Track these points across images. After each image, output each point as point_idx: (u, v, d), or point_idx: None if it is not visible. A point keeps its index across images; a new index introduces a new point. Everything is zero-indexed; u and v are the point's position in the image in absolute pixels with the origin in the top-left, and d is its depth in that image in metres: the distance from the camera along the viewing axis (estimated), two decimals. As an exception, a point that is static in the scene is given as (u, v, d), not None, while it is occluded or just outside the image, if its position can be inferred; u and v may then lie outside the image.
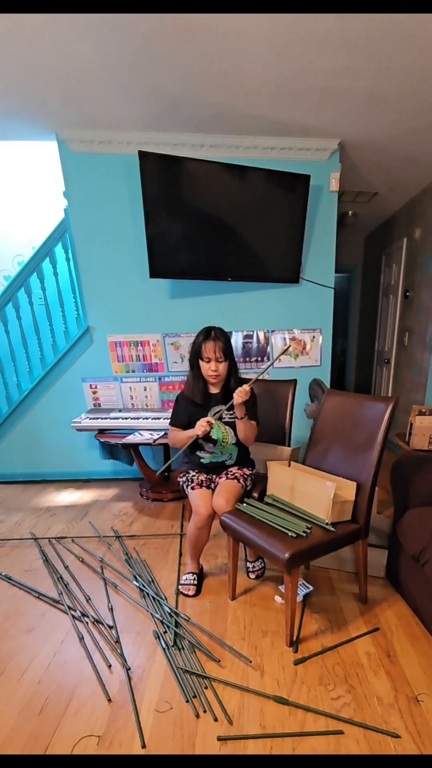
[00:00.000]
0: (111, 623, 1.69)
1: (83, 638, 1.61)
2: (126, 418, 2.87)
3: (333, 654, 1.55)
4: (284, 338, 3.18)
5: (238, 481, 1.88)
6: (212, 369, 1.84)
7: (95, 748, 1.19)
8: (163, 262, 2.75)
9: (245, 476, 1.92)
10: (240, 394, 1.73)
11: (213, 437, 1.92)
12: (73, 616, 1.74)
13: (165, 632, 1.64)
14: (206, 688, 1.39)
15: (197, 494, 1.82)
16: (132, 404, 3.21)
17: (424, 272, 3.59)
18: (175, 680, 1.42)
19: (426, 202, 3.54)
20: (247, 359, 3.20)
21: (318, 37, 1.78)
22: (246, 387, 1.74)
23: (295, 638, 1.60)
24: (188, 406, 1.94)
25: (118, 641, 1.60)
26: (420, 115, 2.38)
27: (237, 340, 3.15)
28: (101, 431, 2.85)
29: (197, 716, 1.28)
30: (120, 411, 3.05)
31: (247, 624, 1.71)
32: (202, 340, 1.83)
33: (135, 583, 1.95)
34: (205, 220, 2.70)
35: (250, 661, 1.50)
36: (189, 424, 1.96)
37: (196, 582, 1.91)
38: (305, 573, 2.06)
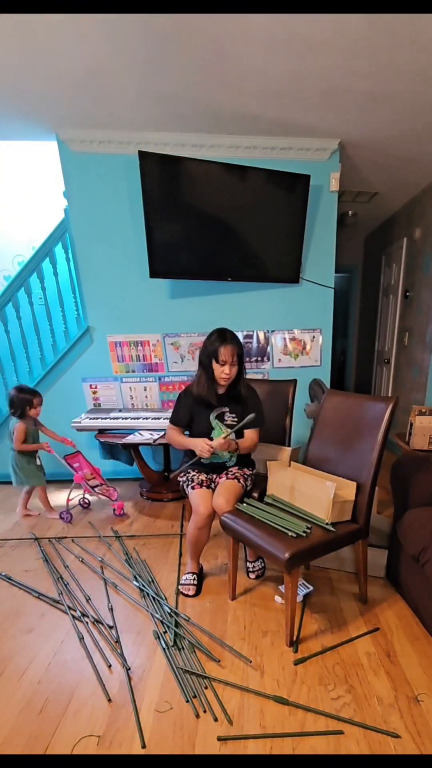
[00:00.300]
0: (111, 623, 1.69)
1: (83, 638, 1.61)
2: (126, 418, 2.87)
3: (333, 654, 1.55)
4: (284, 338, 3.18)
5: (239, 481, 1.88)
6: (225, 372, 1.84)
7: (95, 748, 1.19)
8: (163, 262, 2.75)
9: (245, 476, 1.93)
10: (223, 446, 1.82)
11: (214, 438, 1.92)
12: (73, 616, 1.74)
13: (165, 632, 1.64)
14: (206, 688, 1.39)
15: (197, 494, 1.82)
16: (132, 404, 3.21)
17: (424, 272, 3.59)
18: (175, 680, 1.42)
19: (426, 202, 3.54)
20: (247, 359, 3.19)
21: (318, 37, 1.78)
22: (228, 445, 1.83)
23: (295, 638, 1.60)
24: (190, 405, 1.94)
25: (118, 641, 1.60)
26: (420, 115, 2.38)
27: (237, 340, 3.15)
28: (101, 431, 2.85)
29: (197, 716, 1.28)
30: (120, 411, 3.05)
31: (247, 624, 1.71)
32: (219, 344, 1.82)
33: (135, 583, 1.95)
34: (205, 220, 2.70)
35: (250, 661, 1.50)
36: (189, 423, 1.96)
37: (196, 582, 1.91)
38: (305, 573, 2.06)
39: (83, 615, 1.74)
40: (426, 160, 2.99)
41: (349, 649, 1.57)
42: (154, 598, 1.83)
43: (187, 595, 1.88)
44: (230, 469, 1.95)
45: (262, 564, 2.05)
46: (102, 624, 1.69)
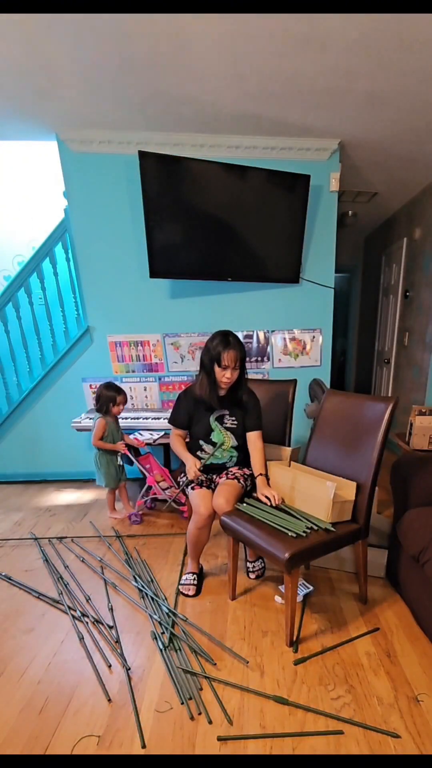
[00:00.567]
0: (111, 623, 1.69)
1: (83, 638, 1.61)
2: (126, 418, 2.87)
3: (333, 654, 1.55)
4: (284, 338, 3.18)
5: (239, 481, 1.88)
6: (227, 376, 1.83)
7: (95, 748, 1.19)
8: (163, 262, 2.75)
9: (245, 476, 1.93)
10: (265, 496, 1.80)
11: (213, 440, 1.93)
12: (73, 616, 1.74)
13: (163, 633, 1.64)
14: (201, 689, 1.39)
15: (197, 494, 1.82)
16: (132, 404, 3.21)
17: (424, 272, 3.59)
18: (172, 682, 1.42)
19: (426, 202, 3.54)
20: (247, 359, 3.18)
21: (318, 37, 1.78)
22: (274, 498, 1.77)
23: (295, 638, 1.60)
24: (190, 406, 1.94)
25: (118, 641, 1.60)
26: (420, 114, 2.38)
27: (237, 340, 3.14)
28: (101, 431, 2.85)
29: (192, 718, 1.27)
30: (120, 411, 3.05)
31: (247, 624, 1.71)
32: (222, 348, 1.79)
33: (134, 583, 1.95)
34: (205, 220, 2.70)
35: (247, 662, 1.50)
36: (189, 424, 1.96)
37: (196, 582, 1.91)
38: (305, 573, 2.06)
39: (83, 615, 1.74)
40: (426, 160, 2.99)
41: (349, 649, 1.57)
42: (152, 598, 1.83)
43: (187, 595, 1.88)
44: (230, 469, 1.95)
45: (262, 564, 2.05)
46: (102, 624, 1.69)
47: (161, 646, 1.56)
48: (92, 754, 1.18)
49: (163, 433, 2.72)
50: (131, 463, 3.00)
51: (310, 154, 2.81)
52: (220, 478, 1.93)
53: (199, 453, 1.97)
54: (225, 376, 1.84)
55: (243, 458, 2.01)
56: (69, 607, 1.79)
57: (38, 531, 2.52)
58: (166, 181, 2.56)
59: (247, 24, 1.70)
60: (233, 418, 1.93)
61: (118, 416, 2.69)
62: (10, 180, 3.36)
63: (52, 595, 1.88)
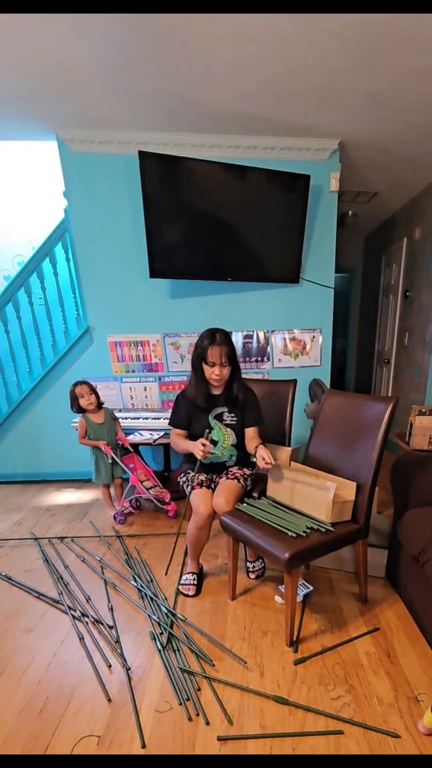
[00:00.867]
0: (111, 623, 1.69)
1: (83, 638, 1.61)
2: (126, 418, 2.87)
3: (333, 654, 1.55)
4: (284, 338, 3.18)
5: (239, 481, 1.88)
6: (216, 373, 1.83)
7: (95, 748, 1.19)
8: (163, 262, 2.75)
9: (245, 476, 1.93)
10: (262, 461, 1.71)
11: (213, 438, 1.92)
12: (73, 616, 1.74)
13: (161, 633, 1.64)
14: (199, 690, 1.39)
15: (197, 494, 1.82)
16: (132, 404, 3.21)
17: (424, 272, 3.59)
18: (170, 682, 1.41)
19: (426, 202, 3.54)
20: (247, 359, 3.20)
21: (318, 37, 1.78)
22: (268, 460, 1.70)
23: (295, 638, 1.60)
24: (188, 407, 1.94)
25: (118, 641, 1.60)
26: (420, 114, 2.38)
27: (237, 340, 3.15)
28: (101, 431, 2.85)
29: (189, 719, 1.27)
30: (120, 411, 3.05)
31: (247, 624, 1.71)
32: (207, 344, 1.80)
33: (134, 583, 1.95)
34: (205, 220, 2.70)
35: (245, 663, 1.50)
36: (189, 425, 1.96)
37: (196, 582, 1.91)
38: (305, 573, 2.06)
39: (83, 615, 1.74)
40: (426, 160, 2.99)
41: (349, 649, 1.57)
42: (152, 598, 1.83)
43: (187, 595, 1.88)
44: (230, 469, 1.95)
45: (262, 564, 2.05)
46: (102, 624, 1.69)
47: (159, 647, 1.56)
48: (92, 754, 1.18)
49: (163, 433, 2.72)
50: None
51: (310, 154, 2.81)
52: (220, 477, 1.93)
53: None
54: (214, 374, 1.83)
55: (243, 457, 2.01)
56: (69, 607, 1.79)
57: (38, 531, 2.52)
58: (166, 181, 2.56)
59: (247, 24, 1.70)
60: (232, 415, 1.93)
61: (115, 414, 2.68)
62: (10, 180, 3.36)
63: (52, 595, 1.88)
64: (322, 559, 2.00)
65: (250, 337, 3.17)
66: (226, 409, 1.93)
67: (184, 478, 1.96)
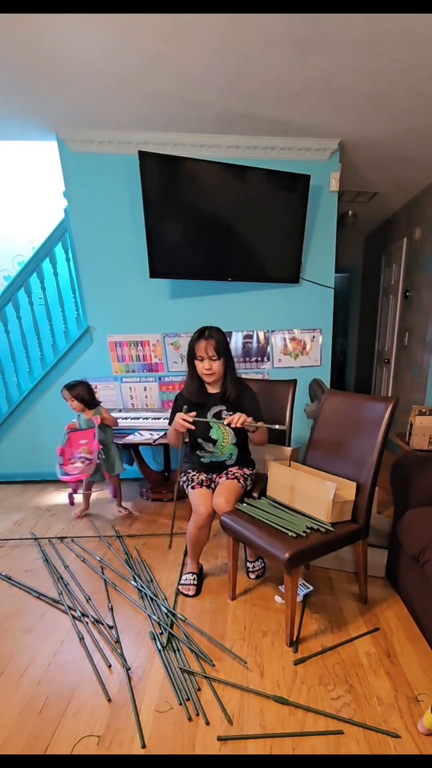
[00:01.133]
0: (111, 623, 1.69)
1: (83, 638, 1.61)
2: (126, 418, 2.87)
3: (333, 654, 1.55)
4: (284, 338, 3.18)
5: (239, 481, 1.88)
6: (206, 368, 1.83)
7: (95, 748, 1.19)
8: (163, 262, 2.75)
9: (245, 476, 1.93)
10: (234, 420, 1.71)
11: (212, 437, 1.92)
12: (73, 616, 1.74)
13: (161, 633, 1.64)
14: (199, 690, 1.39)
15: (197, 494, 1.82)
16: (132, 404, 3.21)
17: (424, 272, 3.59)
18: (170, 682, 1.41)
19: (426, 202, 3.54)
20: (247, 359, 3.20)
21: (318, 37, 1.78)
22: (243, 418, 1.71)
23: (295, 638, 1.60)
24: (187, 406, 1.93)
25: (118, 641, 1.60)
26: (420, 115, 2.38)
27: (237, 340, 3.15)
28: (101, 431, 2.85)
29: (189, 719, 1.27)
30: (120, 411, 3.05)
31: (247, 624, 1.71)
32: (195, 338, 1.83)
33: (134, 583, 1.95)
34: (205, 220, 2.70)
35: (245, 663, 1.50)
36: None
37: (195, 582, 1.91)
38: (305, 573, 2.06)
39: (83, 615, 1.74)
40: (426, 160, 2.99)
41: (349, 649, 1.57)
42: (152, 598, 1.83)
43: (187, 595, 1.88)
44: (230, 469, 1.95)
45: (262, 564, 2.05)
46: (102, 624, 1.69)
47: (159, 647, 1.56)
48: (92, 754, 1.18)
49: (163, 433, 2.72)
50: (131, 462, 3.01)
51: (310, 154, 2.81)
52: (219, 477, 1.93)
53: (199, 452, 1.97)
54: (205, 368, 1.83)
55: (242, 456, 2.01)
56: (69, 607, 1.79)
57: (38, 531, 2.52)
58: (166, 181, 2.56)
59: (247, 24, 1.70)
60: (230, 413, 1.92)
61: (80, 412, 2.57)
62: (10, 180, 3.36)
63: (52, 595, 1.88)
64: (322, 559, 2.00)
65: (250, 337, 3.17)
66: (224, 408, 1.93)
67: (184, 478, 1.96)
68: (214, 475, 1.97)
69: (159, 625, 1.67)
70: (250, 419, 1.74)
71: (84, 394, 2.55)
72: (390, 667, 1.48)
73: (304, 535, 1.56)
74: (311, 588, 1.89)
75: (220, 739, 1.21)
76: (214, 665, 1.49)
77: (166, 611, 1.75)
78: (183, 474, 2.00)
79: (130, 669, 1.47)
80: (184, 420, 1.77)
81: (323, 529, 1.60)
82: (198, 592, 1.90)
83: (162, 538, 2.41)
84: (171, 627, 1.66)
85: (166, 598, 1.86)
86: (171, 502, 2.94)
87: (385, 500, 2.65)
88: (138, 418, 2.88)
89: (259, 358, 3.21)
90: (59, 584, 1.95)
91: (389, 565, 1.97)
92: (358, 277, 5.57)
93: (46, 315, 3.09)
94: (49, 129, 2.60)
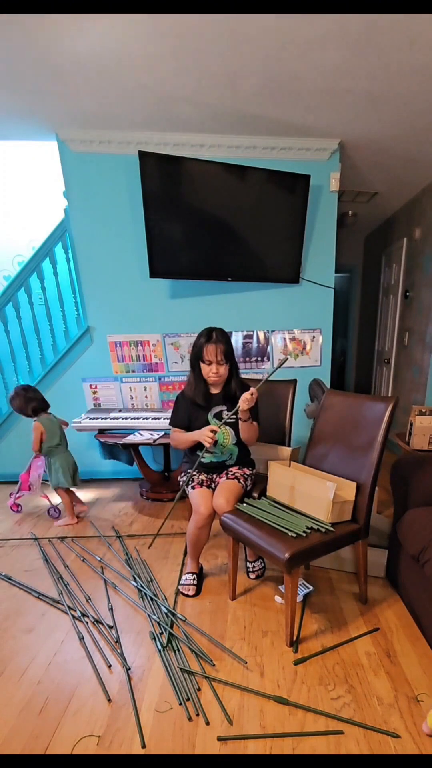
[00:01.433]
0: (111, 623, 1.69)
1: (83, 638, 1.61)
2: (126, 418, 2.87)
3: (333, 654, 1.55)
4: (284, 338, 3.18)
5: (239, 481, 1.88)
6: (213, 372, 1.84)
7: (95, 748, 1.19)
8: (163, 262, 2.75)
9: (245, 476, 1.93)
10: (246, 401, 1.72)
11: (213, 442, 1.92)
12: (73, 616, 1.74)
13: (161, 633, 1.64)
14: (199, 689, 1.39)
15: (197, 493, 1.82)
16: (132, 404, 3.21)
17: (424, 272, 3.59)
18: (170, 682, 1.41)
19: (426, 202, 3.54)
20: (247, 359, 3.20)
21: (318, 37, 1.78)
22: (251, 393, 1.73)
23: (295, 638, 1.60)
24: (188, 407, 1.94)
25: (118, 641, 1.60)
26: (420, 115, 2.38)
27: (237, 340, 3.15)
28: (101, 431, 2.85)
29: (189, 719, 1.27)
30: (120, 411, 3.05)
31: (247, 624, 1.71)
32: (203, 342, 1.82)
33: (133, 583, 1.95)
34: (205, 220, 2.70)
35: (245, 663, 1.50)
36: (189, 425, 1.96)
37: (195, 582, 1.91)
38: (305, 573, 2.06)
39: (83, 615, 1.74)
40: (426, 160, 2.99)
41: (349, 649, 1.57)
42: (152, 598, 1.83)
43: (187, 595, 1.88)
44: (230, 469, 1.95)
45: (262, 564, 2.05)
46: (102, 624, 1.69)
47: (159, 647, 1.56)
48: (92, 754, 1.18)
49: (163, 433, 2.71)
50: (131, 462, 3.01)
51: (310, 154, 2.80)
52: (220, 477, 1.93)
53: (200, 452, 1.97)
54: (211, 372, 1.84)
55: (242, 456, 2.01)
56: (69, 607, 1.79)
57: (38, 531, 2.52)
58: (166, 181, 2.56)
59: (247, 24, 1.70)
60: (232, 415, 1.93)
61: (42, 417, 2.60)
62: (10, 180, 3.36)
63: (52, 595, 1.88)
64: (322, 559, 2.00)
65: (250, 337, 3.17)
66: (225, 408, 1.93)
67: (185, 478, 1.96)
68: (215, 475, 1.97)
69: (159, 625, 1.67)
70: (255, 392, 1.74)
71: (22, 406, 2.52)
72: (390, 667, 1.48)
73: (304, 535, 1.55)
74: (311, 588, 1.89)
75: (220, 739, 1.21)
76: (214, 665, 1.49)
77: (166, 611, 1.75)
78: (183, 474, 2.00)
79: (130, 669, 1.47)
80: (212, 435, 1.76)
81: (323, 529, 1.60)
82: (198, 592, 1.90)
83: (161, 539, 2.41)
84: (171, 627, 1.66)
85: (166, 598, 1.86)
86: (171, 502, 2.94)
87: (385, 500, 2.65)
88: (138, 418, 2.88)
89: (259, 358, 3.21)
90: (59, 584, 1.95)
91: (389, 565, 1.97)
92: (358, 277, 5.57)
93: (46, 315, 3.09)
94: (49, 129, 2.60)
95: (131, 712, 1.30)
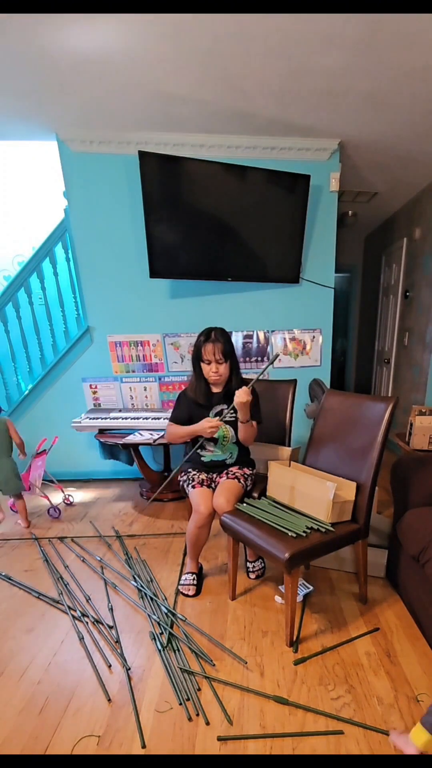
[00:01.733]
0: (111, 623, 1.69)
1: (83, 638, 1.61)
2: (126, 418, 2.87)
3: (333, 654, 1.55)
4: (284, 338, 3.18)
5: (239, 481, 1.88)
6: (213, 371, 1.84)
7: (95, 748, 1.19)
8: (163, 262, 2.75)
9: (246, 476, 1.92)
10: (241, 396, 1.73)
11: (214, 436, 1.92)
12: (73, 616, 1.74)
13: (161, 633, 1.64)
14: (199, 689, 1.39)
15: (197, 493, 1.82)
16: (132, 404, 3.21)
17: (424, 272, 3.59)
18: (170, 682, 1.41)
19: (426, 202, 3.54)
20: (247, 359, 3.20)
21: (318, 37, 1.78)
22: (246, 388, 1.74)
23: (295, 638, 1.60)
24: (190, 405, 1.94)
25: (118, 641, 1.60)
26: (420, 115, 2.38)
27: (237, 340, 3.15)
28: (101, 431, 2.85)
29: (189, 719, 1.27)
30: (120, 411, 3.05)
31: (247, 624, 1.71)
32: (202, 341, 1.83)
33: (133, 583, 1.95)
34: (205, 220, 2.70)
35: (245, 663, 1.50)
36: (189, 422, 1.96)
37: (195, 582, 1.91)
38: (305, 573, 2.06)
39: (83, 615, 1.74)
40: (426, 160, 2.99)
41: (349, 649, 1.57)
42: (152, 598, 1.83)
43: (187, 595, 1.88)
44: (230, 469, 1.95)
45: (262, 564, 2.05)
46: (102, 624, 1.69)
47: (159, 647, 1.56)
48: (92, 754, 1.18)
49: (163, 433, 2.71)
50: (131, 462, 3.01)
51: (310, 154, 2.80)
52: (220, 477, 1.93)
53: (200, 451, 1.97)
54: (212, 371, 1.84)
55: (242, 456, 2.01)
56: (69, 607, 1.79)
57: (38, 531, 2.52)
58: (166, 181, 2.56)
59: (247, 24, 1.70)
60: (232, 411, 1.93)
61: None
62: (10, 180, 3.36)
63: (52, 595, 1.88)
64: (322, 559, 2.00)
65: (250, 337, 3.17)
66: (226, 407, 1.93)
67: (184, 478, 1.96)
68: (215, 475, 1.97)
69: (159, 625, 1.67)
70: (247, 388, 1.76)
71: None
72: (390, 667, 1.48)
73: (304, 535, 1.55)
74: (311, 588, 1.89)
75: (220, 739, 1.21)
76: (214, 665, 1.49)
77: (166, 611, 1.75)
78: (183, 473, 2.00)
79: (130, 669, 1.47)
80: (213, 426, 1.79)
81: (323, 529, 1.60)
82: (198, 592, 1.90)
83: (162, 538, 2.41)
84: (171, 627, 1.66)
85: (166, 598, 1.86)
86: (171, 502, 2.94)
87: (385, 500, 2.65)
88: (138, 418, 2.88)
89: (259, 358, 3.21)
90: (59, 584, 1.95)
91: (389, 565, 1.97)
92: (358, 277, 5.57)
93: (46, 315, 3.09)
94: (49, 129, 2.60)
95: (131, 712, 1.30)
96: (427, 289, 3.52)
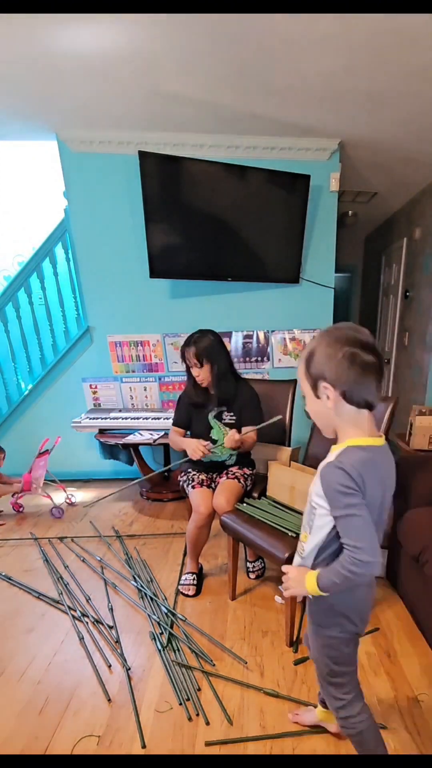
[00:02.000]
0: (111, 623, 1.69)
1: (83, 638, 1.61)
2: (126, 418, 2.87)
3: (333, 654, 1.54)
4: (284, 338, 3.18)
5: (239, 481, 1.88)
6: (195, 374, 1.85)
7: (95, 748, 1.19)
8: (163, 262, 2.75)
9: (245, 476, 1.93)
10: (230, 443, 1.79)
11: (213, 437, 1.93)
12: (73, 616, 1.74)
13: (161, 633, 1.64)
14: (199, 690, 1.39)
15: (197, 493, 1.83)
16: (132, 404, 3.21)
17: (424, 272, 3.59)
18: (170, 682, 1.41)
19: (426, 202, 3.54)
20: (247, 359, 3.20)
21: (318, 37, 1.77)
22: (236, 437, 1.78)
23: (295, 638, 1.60)
24: (189, 407, 1.95)
25: (118, 641, 1.60)
26: (420, 115, 2.38)
27: (237, 340, 3.15)
28: (101, 431, 2.85)
29: (189, 719, 1.27)
30: (120, 411, 3.05)
31: (247, 624, 1.71)
32: (183, 347, 1.87)
33: (133, 583, 1.95)
34: (205, 220, 2.70)
35: (245, 663, 1.50)
36: (189, 424, 1.97)
37: (195, 582, 1.91)
38: (305, 573, 2.06)
39: (83, 615, 1.74)
40: (426, 160, 2.98)
41: (349, 649, 1.57)
42: (152, 598, 1.83)
43: (187, 595, 1.88)
44: (230, 469, 1.95)
45: (262, 564, 2.05)
46: (102, 624, 1.69)
47: (159, 647, 1.56)
48: (92, 754, 1.18)
49: (163, 433, 2.72)
50: (131, 462, 3.01)
51: (310, 154, 2.80)
52: (220, 477, 1.93)
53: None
54: (194, 374, 1.86)
55: (242, 456, 2.01)
56: (69, 607, 1.79)
57: (38, 531, 2.52)
58: (166, 181, 2.56)
59: (247, 24, 1.70)
60: (231, 414, 1.93)
61: None
62: (10, 180, 3.36)
63: (52, 595, 1.88)
64: (322, 559, 2.00)
65: (250, 337, 3.16)
66: (225, 408, 1.93)
67: (184, 478, 1.96)
68: (214, 475, 1.97)
69: (159, 625, 1.67)
70: (238, 436, 1.79)
71: None
72: (390, 667, 1.48)
73: (304, 535, 1.55)
74: (311, 588, 1.89)
75: (217, 742, 1.20)
76: (214, 665, 1.49)
77: (166, 611, 1.75)
78: (183, 473, 2.00)
79: (130, 669, 1.47)
80: (203, 449, 1.80)
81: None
82: (198, 592, 1.90)
83: (162, 538, 2.41)
84: (171, 627, 1.66)
85: (166, 598, 1.86)
86: (171, 502, 2.94)
87: (385, 500, 2.65)
88: (138, 418, 2.88)
89: (259, 358, 3.21)
90: (59, 584, 1.95)
91: (389, 565, 1.97)
92: (358, 277, 5.58)
93: (46, 315, 3.09)
94: (49, 129, 2.60)
95: (131, 712, 1.30)
96: (427, 289, 3.52)
